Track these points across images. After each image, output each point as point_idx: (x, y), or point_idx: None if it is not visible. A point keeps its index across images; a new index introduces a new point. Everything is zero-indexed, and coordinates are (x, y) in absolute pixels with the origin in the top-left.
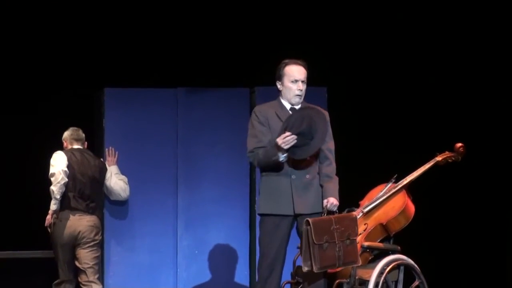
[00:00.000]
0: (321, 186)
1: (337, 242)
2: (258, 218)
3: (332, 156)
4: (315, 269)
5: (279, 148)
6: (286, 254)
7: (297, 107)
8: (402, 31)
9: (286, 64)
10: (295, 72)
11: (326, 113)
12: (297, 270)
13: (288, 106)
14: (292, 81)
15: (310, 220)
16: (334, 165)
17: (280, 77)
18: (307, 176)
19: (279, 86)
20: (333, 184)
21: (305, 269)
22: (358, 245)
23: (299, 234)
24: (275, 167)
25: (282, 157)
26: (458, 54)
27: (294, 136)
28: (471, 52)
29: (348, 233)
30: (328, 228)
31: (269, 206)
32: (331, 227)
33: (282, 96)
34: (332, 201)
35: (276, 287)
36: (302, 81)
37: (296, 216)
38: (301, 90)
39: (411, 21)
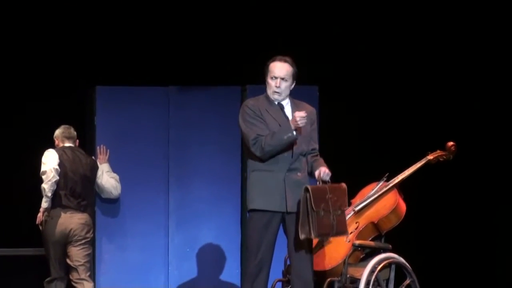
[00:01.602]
0: (310, 169)
1: (331, 211)
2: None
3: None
4: (313, 235)
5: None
6: (277, 253)
7: (283, 103)
8: (394, 30)
9: (272, 61)
10: (275, 69)
11: (314, 110)
12: (288, 268)
13: (275, 101)
14: (271, 78)
15: (309, 187)
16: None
17: (265, 73)
18: (299, 174)
19: (266, 81)
20: (322, 160)
21: (302, 236)
22: (350, 244)
23: (287, 232)
24: (280, 151)
25: (296, 134)
26: (449, 53)
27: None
28: (462, 50)
29: (340, 203)
30: (324, 196)
31: (262, 202)
32: (326, 196)
33: (268, 92)
34: (324, 170)
35: (265, 286)
36: (282, 78)
37: (285, 214)
38: (279, 87)
39: (402, 21)
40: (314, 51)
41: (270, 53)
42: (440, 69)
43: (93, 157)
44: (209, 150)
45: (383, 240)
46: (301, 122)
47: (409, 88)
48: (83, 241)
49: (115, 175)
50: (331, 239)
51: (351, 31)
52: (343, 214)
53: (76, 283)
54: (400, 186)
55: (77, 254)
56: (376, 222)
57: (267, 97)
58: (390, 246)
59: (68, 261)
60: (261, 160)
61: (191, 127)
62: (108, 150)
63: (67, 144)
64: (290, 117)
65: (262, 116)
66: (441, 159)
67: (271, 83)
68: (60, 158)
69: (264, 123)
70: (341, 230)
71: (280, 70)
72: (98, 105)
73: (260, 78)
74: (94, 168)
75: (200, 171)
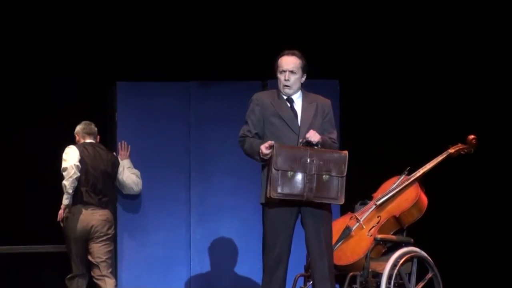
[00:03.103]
0: None
1: (308, 174)
2: None
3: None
4: (272, 195)
5: (258, 153)
6: (298, 247)
7: (294, 97)
8: (416, 22)
9: (280, 55)
10: (283, 62)
11: (329, 102)
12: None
13: (285, 96)
14: (280, 72)
15: (275, 144)
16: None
17: (275, 69)
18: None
19: (277, 77)
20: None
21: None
22: (371, 238)
23: (304, 225)
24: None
25: (260, 160)
26: (472, 45)
27: (270, 155)
28: (484, 42)
29: (328, 168)
30: (298, 158)
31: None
32: (303, 158)
33: (279, 87)
34: (312, 133)
35: (283, 281)
36: (290, 71)
37: (301, 208)
38: (288, 81)
39: (424, 13)
40: (337, 45)
41: (291, 47)
42: (462, 62)
43: (114, 153)
44: (230, 144)
45: (405, 234)
46: (263, 156)
47: (431, 81)
48: (104, 238)
49: (136, 171)
50: (353, 233)
51: (373, 25)
52: (331, 181)
53: (97, 279)
54: (421, 180)
55: (98, 251)
56: (398, 216)
57: (278, 92)
58: (412, 240)
59: (89, 257)
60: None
61: (212, 122)
62: (129, 146)
63: (88, 140)
64: (299, 111)
65: (263, 112)
66: (462, 152)
67: (281, 77)
68: (81, 154)
69: (260, 119)
70: (326, 196)
71: (287, 63)
72: (119, 101)
73: None
74: (115, 164)
75: (222, 165)
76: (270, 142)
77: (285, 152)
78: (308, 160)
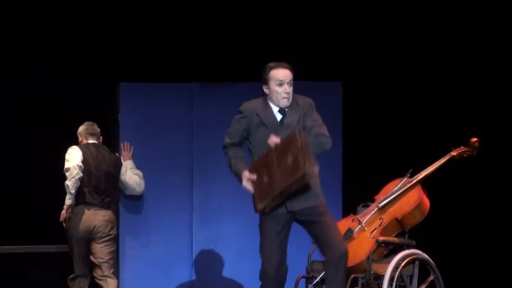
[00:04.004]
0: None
1: (275, 166)
2: None
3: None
4: (259, 207)
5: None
6: (299, 250)
7: (287, 109)
8: (418, 25)
9: (271, 68)
10: (280, 74)
11: (309, 101)
12: (312, 265)
13: (275, 108)
14: (278, 84)
15: (245, 174)
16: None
17: (266, 81)
18: None
19: (265, 90)
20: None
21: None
22: (373, 240)
23: (304, 224)
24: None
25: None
26: (473, 48)
27: (251, 191)
28: (485, 44)
29: (290, 152)
30: (264, 162)
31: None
32: (268, 158)
33: (269, 99)
34: (271, 138)
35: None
36: (288, 83)
37: (292, 214)
38: (288, 93)
39: (426, 18)
40: (339, 47)
41: (292, 49)
42: (465, 64)
43: (116, 154)
44: None
45: (407, 236)
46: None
47: (434, 84)
48: (106, 238)
49: (138, 171)
50: (355, 235)
51: (376, 27)
52: (296, 160)
53: (99, 280)
54: (424, 182)
55: (100, 251)
56: (400, 218)
57: (266, 103)
58: (414, 242)
59: (91, 258)
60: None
61: (215, 123)
62: (132, 147)
63: (91, 141)
64: (283, 120)
65: (249, 122)
66: (464, 155)
67: (279, 90)
68: (83, 155)
69: (244, 130)
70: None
71: (286, 76)
72: (122, 102)
73: None
74: (118, 165)
75: (224, 167)
76: (247, 176)
77: (256, 166)
78: (271, 158)
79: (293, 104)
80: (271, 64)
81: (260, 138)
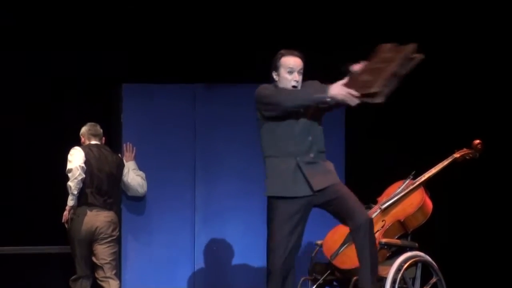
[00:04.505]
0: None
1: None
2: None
3: None
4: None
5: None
6: (302, 251)
7: None
8: (420, 28)
9: (282, 55)
10: (291, 62)
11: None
12: (314, 267)
13: None
14: (288, 72)
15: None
16: None
17: (276, 68)
18: (311, 155)
19: (275, 77)
20: None
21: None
22: (376, 242)
23: (323, 206)
24: (286, 134)
25: (330, 101)
26: (475, 50)
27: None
28: (489, 48)
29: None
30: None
31: (281, 188)
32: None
33: (278, 85)
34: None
35: (292, 281)
36: (298, 71)
37: (313, 197)
38: (297, 81)
39: (428, 20)
40: (340, 48)
41: (296, 50)
42: (468, 67)
43: (119, 155)
44: (235, 146)
45: (409, 238)
46: (350, 100)
47: (437, 86)
48: (109, 239)
49: (141, 173)
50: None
51: (376, 27)
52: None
53: (101, 281)
54: (426, 184)
55: (103, 252)
56: (402, 220)
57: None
58: (417, 244)
59: (93, 259)
60: (272, 146)
61: (218, 124)
62: (135, 148)
63: (93, 142)
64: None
65: None
66: (467, 157)
67: (288, 77)
68: (86, 156)
69: None
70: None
71: (296, 64)
72: (125, 103)
73: None
74: (120, 166)
75: (227, 167)
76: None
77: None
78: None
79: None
80: (283, 51)
81: (284, 124)
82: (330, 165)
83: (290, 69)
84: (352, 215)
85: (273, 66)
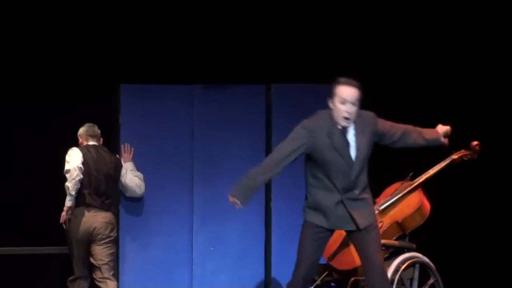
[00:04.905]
0: (423, 138)
1: None
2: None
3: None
4: None
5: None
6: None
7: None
8: (419, 28)
9: (338, 84)
10: (346, 92)
11: (372, 115)
12: (318, 270)
13: (339, 126)
14: (341, 102)
15: None
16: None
17: (331, 96)
18: (356, 192)
19: (330, 105)
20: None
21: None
22: None
23: (361, 246)
24: (336, 172)
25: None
26: (476, 50)
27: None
28: (488, 49)
29: None
30: None
31: (323, 219)
32: None
33: (334, 115)
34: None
35: None
36: (352, 103)
37: (356, 232)
38: (349, 113)
39: (428, 20)
40: (340, 49)
41: (295, 51)
42: (466, 67)
43: (117, 156)
44: (233, 148)
45: (407, 239)
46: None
47: (434, 86)
48: (106, 240)
49: (139, 173)
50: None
51: (376, 28)
52: None
53: (99, 282)
54: (424, 186)
55: (100, 253)
56: (400, 221)
57: (331, 119)
58: (414, 245)
59: (91, 260)
60: (316, 176)
61: (216, 125)
62: (133, 149)
63: (91, 143)
64: (352, 141)
65: (314, 140)
66: (465, 159)
67: (341, 108)
68: (84, 156)
69: (298, 151)
70: None
71: (351, 95)
72: (123, 104)
73: (285, 77)
74: (118, 167)
75: (225, 169)
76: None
77: None
78: None
79: (358, 124)
80: (341, 79)
81: (327, 159)
82: (370, 200)
83: (343, 99)
84: (368, 270)
85: (329, 93)
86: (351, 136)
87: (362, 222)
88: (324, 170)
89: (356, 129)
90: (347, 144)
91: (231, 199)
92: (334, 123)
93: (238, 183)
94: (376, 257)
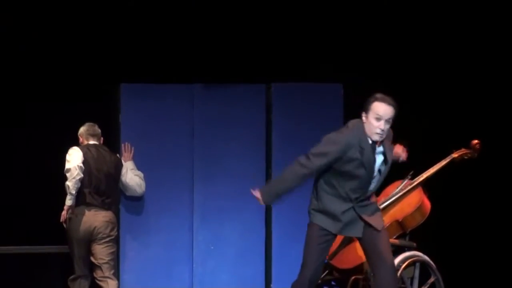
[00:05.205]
0: None
1: None
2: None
3: None
4: None
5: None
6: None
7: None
8: (419, 27)
9: (376, 100)
10: (381, 110)
11: (391, 131)
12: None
13: (369, 140)
14: (376, 118)
15: None
16: None
17: (366, 110)
18: (366, 201)
19: (363, 118)
20: None
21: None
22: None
23: (370, 243)
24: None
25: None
26: (475, 50)
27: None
28: (488, 47)
29: None
30: None
31: (331, 224)
32: None
33: (365, 128)
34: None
35: None
36: (386, 120)
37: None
38: (382, 130)
39: (428, 19)
40: (339, 49)
41: (295, 51)
42: (467, 66)
43: (117, 155)
44: (233, 147)
45: (407, 238)
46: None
47: (435, 86)
48: (107, 239)
49: (139, 172)
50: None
51: (376, 28)
52: None
53: (100, 281)
54: (425, 184)
55: (101, 252)
56: (400, 220)
57: (363, 132)
58: (415, 244)
59: (92, 259)
60: (330, 183)
61: (216, 125)
62: (133, 148)
63: (92, 142)
64: (379, 158)
65: (345, 154)
66: (465, 157)
67: (375, 124)
68: (84, 155)
69: (328, 163)
70: None
71: (386, 113)
72: (123, 103)
73: (285, 77)
74: (119, 166)
75: (225, 168)
76: None
77: None
78: None
79: (386, 142)
80: (378, 95)
81: (350, 170)
82: (377, 204)
83: (378, 116)
84: (378, 269)
85: (364, 106)
86: (379, 152)
87: (378, 224)
88: (341, 180)
89: (384, 146)
90: (374, 160)
91: (256, 194)
92: (365, 136)
93: (269, 184)
94: (388, 256)
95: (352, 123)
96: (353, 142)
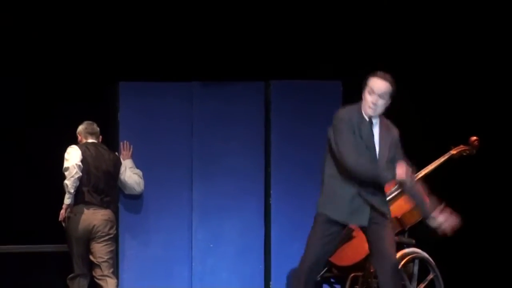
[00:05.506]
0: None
1: None
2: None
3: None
4: None
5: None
6: (300, 245)
7: (373, 120)
8: (418, 25)
9: (372, 75)
10: (375, 84)
11: (398, 132)
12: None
13: (367, 117)
14: (369, 92)
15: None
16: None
17: (364, 87)
18: (373, 188)
19: (362, 96)
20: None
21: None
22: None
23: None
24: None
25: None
26: (473, 47)
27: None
28: (486, 45)
29: None
30: None
31: (337, 212)
32: None
33: (362, 105)
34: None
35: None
36: (380, 95)
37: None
38: (374, 104)
39: (427, 16)
40: (339, 46)
41: (294, 48)
42: (465, 63)
43: (116, 153)
44: (232, 145)
45: (406, 235)
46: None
47: (433, 83)
48: (106, 238)
49: (138, 171)
50: (355, 234)
51: (376, 25)
52: None
53: (99, 279)
54: (423, 181)
55: (100, 251)
56: (399, 217)
57: (359, 111)
58: (414, 241)
59: (91, 257)
60: (337, 167)
61: (215, 122)
62: (131, 146)
63: (90, 140)
64: (376, 135)
65: (354, 130)
66: (464, 154)
67: (368, 98)
68: (83, 154)
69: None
70: None
71: (379, 88)
72: (121, 101)
73: (284, 74)
74: (117, 164)
75: (224, 166)
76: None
77: None
78: None
79: (384, 125)
80: (377, 72)
81: (356, 149)
82: (385, 197)
83: (371, 90)
84: (381, 263)
85: (362, 84)
86: (376, 130)
87: (386, 210)
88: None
89: (381, 127)
90: (372, 135)
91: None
92: (362, 114)
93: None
94: (391, 251)
95: (349, 105)
96: (352, 117)
